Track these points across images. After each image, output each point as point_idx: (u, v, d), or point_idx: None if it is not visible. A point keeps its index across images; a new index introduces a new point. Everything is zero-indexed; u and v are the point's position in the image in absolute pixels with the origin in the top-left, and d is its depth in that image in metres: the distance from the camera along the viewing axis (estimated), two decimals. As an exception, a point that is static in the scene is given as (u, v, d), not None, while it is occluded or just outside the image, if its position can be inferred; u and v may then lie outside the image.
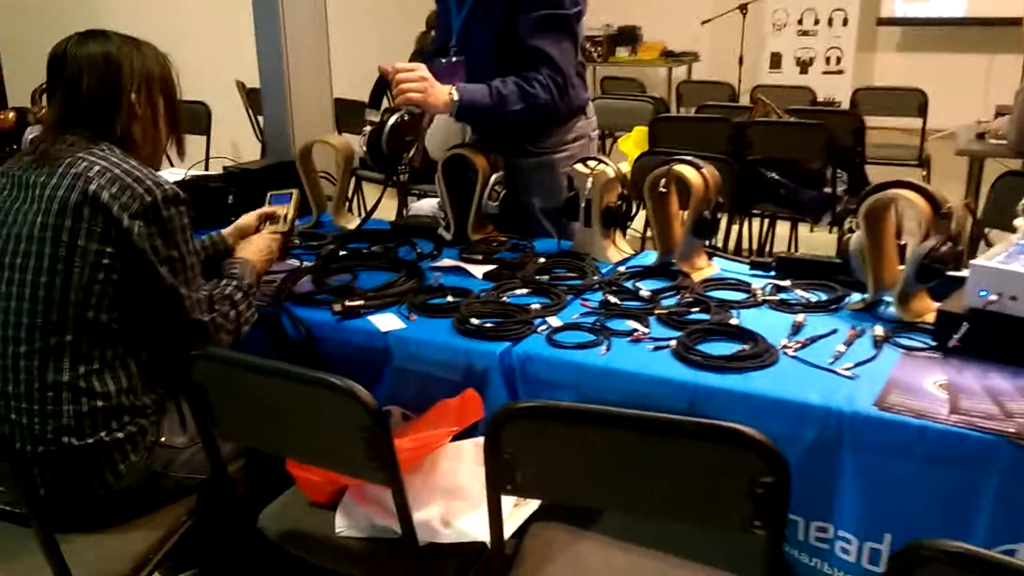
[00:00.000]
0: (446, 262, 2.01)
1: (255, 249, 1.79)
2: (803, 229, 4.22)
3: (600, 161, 2.00)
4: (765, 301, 1.71)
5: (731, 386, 1.38)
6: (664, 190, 1.87)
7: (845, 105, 5.75)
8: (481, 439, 1.36)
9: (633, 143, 3.80)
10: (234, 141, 5.39)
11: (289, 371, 1.21)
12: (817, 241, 4.28)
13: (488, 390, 1.55)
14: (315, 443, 1.27)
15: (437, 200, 2.39)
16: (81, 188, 1.40)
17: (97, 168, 1.42)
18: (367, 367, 1.64)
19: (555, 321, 1.65)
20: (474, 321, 1.62)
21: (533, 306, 1.69)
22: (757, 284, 1.79)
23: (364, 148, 1.94)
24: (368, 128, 1.94)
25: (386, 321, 1.68)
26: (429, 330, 1.64)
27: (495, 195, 2.11)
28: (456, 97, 1.96)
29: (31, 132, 2.45)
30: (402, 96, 1.89)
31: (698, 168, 1.85)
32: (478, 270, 1.94)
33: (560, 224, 2.41)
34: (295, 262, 2.02)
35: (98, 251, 1.40)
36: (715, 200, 1.85)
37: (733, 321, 1.60)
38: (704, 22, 7.02)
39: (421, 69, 1.92)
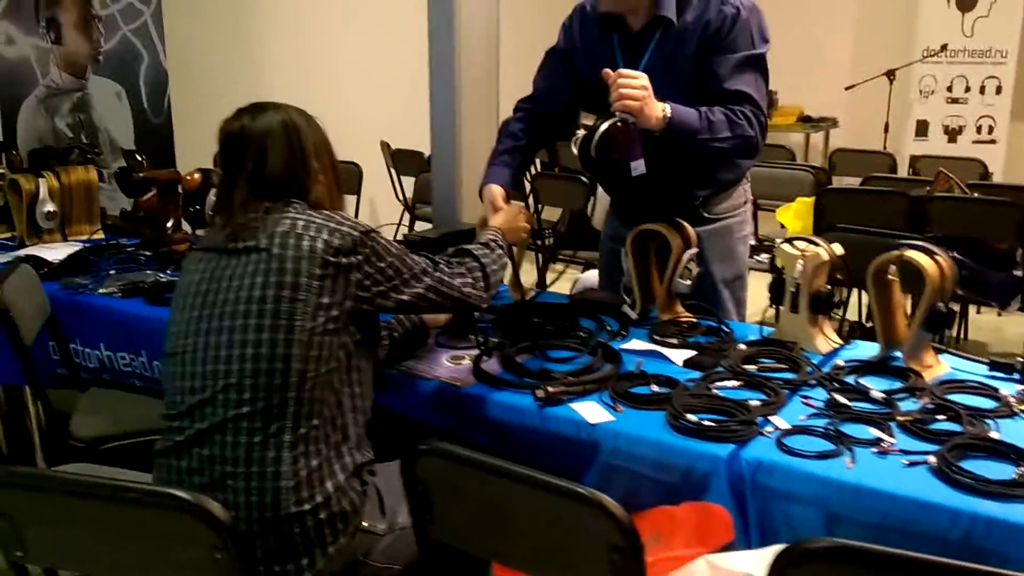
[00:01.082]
0: (637, 344, 1.88)
1: (503, 220, 1.89)
2: (987, 313, 3.90)
3: (810, 241, 1.85)
4: (1023, 411, 1.51)
5: (1019, 519, 1.19)
6: (893, 278, 1.70)
7: (998, 177, 5.40)
8: (718, 558, 1.21)
9: (794, 214, 3.62)
10: (371, 199, 5.47)
11: (529, 476, 1.10)
12: (998, 326, 3.96)
13: (707, 497, 1.40)
14: (547, 557, 1.15)
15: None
16: (294, 244, 1.41)
17: (301, 222, 1.44)
18: (570, 460, 1.52)
19: (781, 422, 1.49)
20: (691, 417, 1.48)
21: (752, 403, 1.54)
22: (1005, 389, 1.58)
23: (576, 151, 1.87)
24: (581, 132, 1.87)
25: (591, 411, 1.56)
26: (640, 424, 1.51)
27: (687, 273, 1.98)
28: (669, 114, 1.86)
29: (214, 193, 2.49)
30: (620, 102, 1.81)
31: (932, 255, 1.67)
32: (676, 355, 1.81)
33: (739, 297, 2.26)
34: (476, 337, 1.94)
35: (318, 303, 1.39)
36: (951, 291, 1.67)
37: (992, 434, 1.41)
38: (848, 87, 6.78)
39: (643, 78, 1.83)
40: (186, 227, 2.74)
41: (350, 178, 4.23)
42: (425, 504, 1.23)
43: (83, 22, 3.78)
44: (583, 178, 3.74)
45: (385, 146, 5.40)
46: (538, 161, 5.70)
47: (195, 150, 3.93)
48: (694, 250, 1.98)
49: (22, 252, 2.64)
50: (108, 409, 2.17)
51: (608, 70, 1.86)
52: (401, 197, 5.15)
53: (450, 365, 1.80)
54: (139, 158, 3.01)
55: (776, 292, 1.88)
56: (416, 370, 1.76)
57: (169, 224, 2.68)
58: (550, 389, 1.59)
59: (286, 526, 1.35)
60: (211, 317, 1.41)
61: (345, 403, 1.44)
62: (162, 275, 2.37)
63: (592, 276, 2.59)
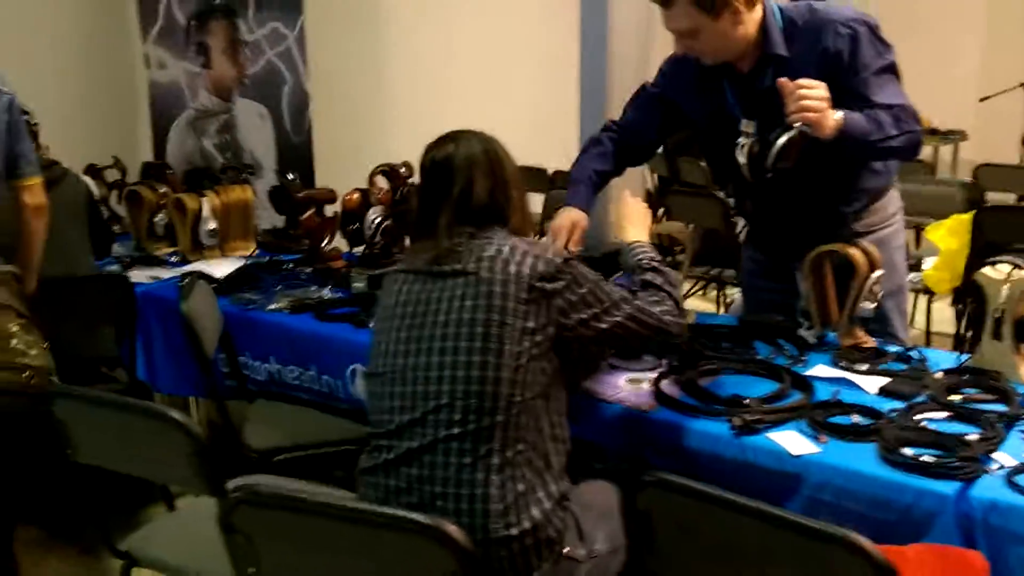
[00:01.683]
0: (823, 370, 1.80)
1: (643, 232, 1.81)
2: None
3: (1016, 265, 1.74)
4: None
5: None
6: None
7: None
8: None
9: (948, 232, 3.43)
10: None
11: (775, 514, 1.06)
12: None
13: (930, 537, 1.32)
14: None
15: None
16: (501, 268, 1.42)
17: (507, 247, 1.44)
18: (769, 493, 1.45)
19: (1006, 458, 1.39)
20: (907, 451, 1.40)
21: (970, 436, 1.45)
22: None
23: (743, 160, 1.83)
24: (745, 140, 1.83)
25: (793, 441, 1.50)
26: (848, 457, 1.44)
27: (872, 296, 1.90)
28: (842, 121, 1.79)
29: (374, 213, 2.54)
30: (799, 113, 1.75)
31: None
32: (867, 382, 1.72)
33: (903, 310, 2.16)
34: (650, 358, 1.90)
35: (524, 327, 1.39)
36: None
37: None
38: (983, 99, 6.47)
39: (821, 87, 1.77)
40: (339, 244, 2.81)
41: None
42: (646, 536, 1.20)
43: (230, 47, 3.94)
44: (719, 194, 3.66)
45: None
46: (654, 175, 5.64)
47: (333, 168, 4.05)
48: (880, 272, 1.90)
49: (188, 268, 2.75)
50: (278, 421, 2.22)
51: (785, 80, 1.80)
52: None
53: (630, 388, 1.76)
54: (291, 177, 3.10)
55: (975, 318, 1.77)
56: (598, 393, 1.74)
57: (325, 242, 2.75)
58: (747, 417, 1.54)
59: (494, 550, 1.34)
60: (419, 339, 1.42)
61: (546, 430, 1.43)
62: (326, 292, 2.42)
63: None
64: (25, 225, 2.20)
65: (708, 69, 1.97)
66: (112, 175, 3.48)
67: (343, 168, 4.13)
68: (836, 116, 1.78)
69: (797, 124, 1.77)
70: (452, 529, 1.08)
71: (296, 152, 3.92)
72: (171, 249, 3.08)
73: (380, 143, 4.91)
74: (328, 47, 4.05)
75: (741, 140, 1.87)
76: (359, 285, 2.42)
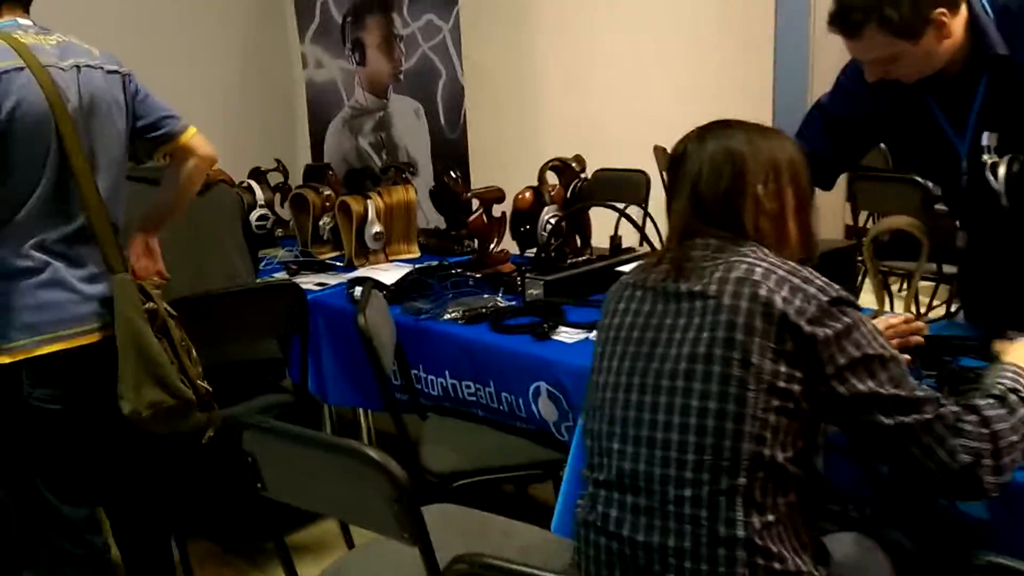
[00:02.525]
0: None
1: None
2: None
3: None
4: None
5: None
6: None
7: None
8: None
9: None
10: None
11: None
12: None
13: None
14: None
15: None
16: (749, 293, 1.15)
17: (760, 270, 1.17)
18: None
19: None
20: None
21: None
22: None
23: (1001, 185, 1.55)
24: (990, 157, 1.55)
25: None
26: None
27: None
28: None
29: (548, 212, 2.36)
30: None
31: None
32: None
33: None
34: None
35: (774, 370, 1.12)
36: None
37: None
38: None
39: None
40: (507, 247, 2.65)
41: (635, 188, 4.02)
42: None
43: (385, 43, 3.87)
44: (918, 179, 3.26)
45: (661, 151, 5.16)
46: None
47: (486, 164, 3.91)
48: None
49: (357, 274, 2.67)
50: (455, 440, 2.09)
51: None
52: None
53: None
54: (454, 175, 2.98)
55: None
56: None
57: (493, 244, 2.60)
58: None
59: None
60: (646, 372, 1.21)
61: (800, 501, 1.17)
62: (500, 299, 2.26)
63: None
64: (191, 177, 1.96)
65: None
66: (275, 178, 3.47)
67: (498, 165, 3.99)
68: None
69: None
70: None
71: (451, 148, 3.80)
72: (335, 253, 3.02)
73: (534, 138, 4.76)
74: (482, 39, 3.92)
75: (985, 158, 1.57)
76: (535, 292, 2.25)
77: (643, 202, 4.15)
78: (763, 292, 1.14)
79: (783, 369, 1.12)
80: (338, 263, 2.91)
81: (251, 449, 1.37)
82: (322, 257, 2.98)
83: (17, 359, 1.61)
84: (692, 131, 1.32)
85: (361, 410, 2.61)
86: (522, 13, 4.58)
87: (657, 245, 1.79)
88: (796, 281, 1.15)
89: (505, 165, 4.21)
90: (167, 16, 3.75)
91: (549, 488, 2.47)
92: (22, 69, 1.60)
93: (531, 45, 4.60)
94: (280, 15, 4.19)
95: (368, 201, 2.81)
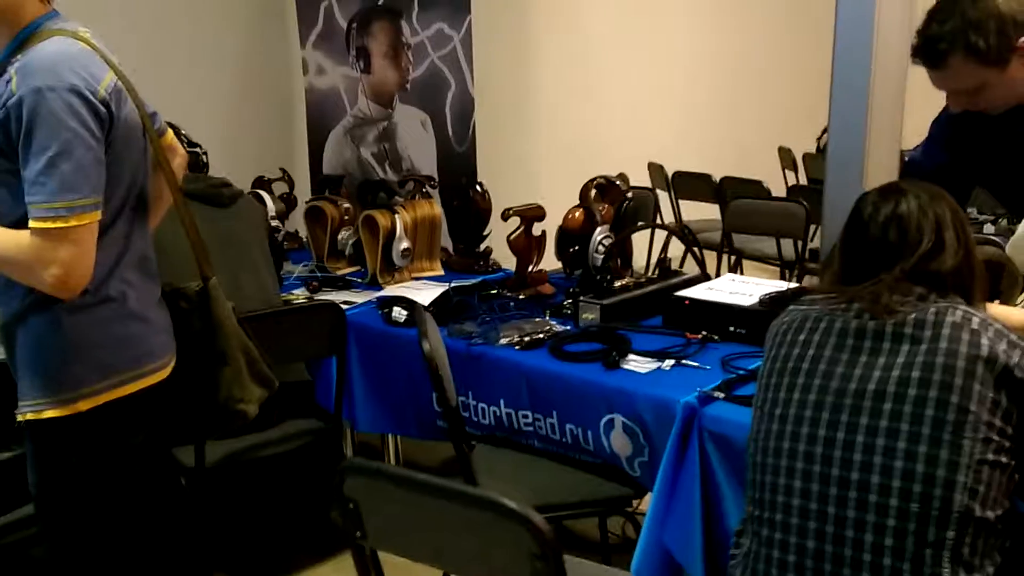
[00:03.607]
0: None
1: None
2: None
3: None
4: None
5: None
6: None
7: None
8: None
9: None
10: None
11: None
12: None
13: None
14: None
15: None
16: (968, 340, 1.09)
17: (976, 320, 1.12)
18: None
19: None
20: None
21: None
22: None
23: None
24: None
25: None
26: None
27: None
28: None
29: (600, 233, 2.26)
30: None
31: None
32: None
33: None
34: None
35: (989, 421, 1.07)
36: None
37: None
38: None
39: None
40: (544, 266, 2.55)
41: (647, 205, 3.96)
42: None
43: (392, 51, 3.74)
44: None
45: (656, 168, 5.12)
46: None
47: (495, 180, 3.80)
48: None
49: (386, 292, 2.53)
50: (512, 473, 1.97)
51: None
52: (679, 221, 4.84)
53: None
54: (480, 189, 2.87)
55: None
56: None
57: (532, 264, 2.49)
58: None
59: None
60: (837, 407, 1.12)
61: (1000, 559, 1.10)
62: (556, 324, 2.15)
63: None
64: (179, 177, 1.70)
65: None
66: (279, 188, 3.30)
67: (507, 179, 3.89)
68: None
69: None
70: None
71: (458, 162, 3.68)
72: (353, 269, 2.88)
73: (546, 153, 4.68)
74: (495, 49, 3.82)
75: None
76: (590, 316, 2.15)
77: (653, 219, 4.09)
78: (984, 342, 1.10)
79: (998, 422, 1.07)
80: (357, 279, 2.76)
81: (353, 495, 1.23)
82: (339, 273, 2.83)
83: (98, 404, 1.42)
84: (894, 186, 1.28)
85: (390, 437, 2.46)
86: (542, 22, 4.49)
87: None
88: (1013, 337, 1.12)
89: (514, 180, 4.10)
90: (165, 18, 3.56)
91: (591, 521, 2.37)
92: (121, 82, 1.43)
93: (551, 55, 4.51)
94: (281, 19, 4.03)
95: (395, 216, 2.67)
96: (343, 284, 2.70)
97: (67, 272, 1.31)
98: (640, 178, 4.81)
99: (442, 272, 2.83)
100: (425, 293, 2.44)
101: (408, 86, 3.75)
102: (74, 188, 1.30)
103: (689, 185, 4.63)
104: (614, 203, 2.40)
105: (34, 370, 1.41)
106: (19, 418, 1.44)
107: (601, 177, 2.45)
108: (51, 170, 1.29)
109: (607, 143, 4.88)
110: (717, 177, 4.44)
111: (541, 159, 4.58)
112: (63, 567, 1.53)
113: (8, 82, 1.32)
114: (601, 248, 2.24)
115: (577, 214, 2.29)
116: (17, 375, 1.45)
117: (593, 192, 2.41)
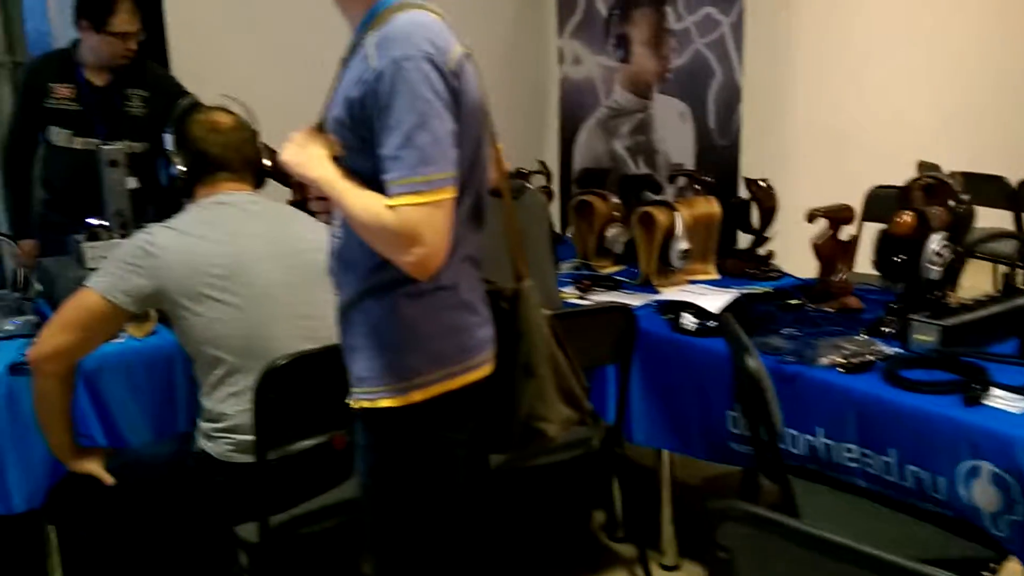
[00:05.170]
0: None
1: None
2: None
3: None
4: None
5: None
6: None
7: None
8: None
9: None
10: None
11: None
12: None
13: None
14: None
15: None
16: None
17: None
18: None
19: None
20: None
21: None
22: None
23: None
24: None
25: None
26: None
27: None
28: None
29: (936, 242, 1.92)
30: None
31: None
32: None
33: None
34: None
35: None
36: None
37: None
38: None
39: None
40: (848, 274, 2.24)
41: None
42: None
43: (655, 38, 3.53)
44: None
45: (927, 168, 4.57)
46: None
47: (758, 174, 3.51)
48: None
49: (665, 296, 2.33)
50: (838, 516, 1.70)
51: None
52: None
53: None
54: (763, 184, 2.60)
55: None
56: None
57: (839, 272, 2.20)
58: None
59: None
60: None
61: None
62: (882, 344, 1.85)
63: None
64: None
65: None
66: (536, 181, 3.19)
67: (772, 176, 3.58)
68: None
69: None
70: None
71: (719, 156, 3.41)
72: (618, 268, 2.70)
73: (810, 151, 4.31)
74: (762, 35, 3.52)
75: None
76: (926, 339, 1.83)
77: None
78: None
79: None
80: (625, 280, 2.58)
81: (730, 543, 1.04)
82: (605, 271, 2.67)
83: (430, 396, 1.34)
84: None
85: (664, 453, 2.26)
86: (801, 10, 4.14)
87: None
88: None
89: (776, 178, 3.78)
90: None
91: None
92: (468, 55, 1.34)
93: (805, 46, 4.16)
94: (538, 8, 3.94)
95: (676, 214, 2.46)
96: (612, 284, 2.53)
97: (427, 250, 1.22)
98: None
99: (717, 276, 2.59)
100: (710, 299, 2.21)
101: (668, 75, 3.53)
102: (432, 161, 1.22)
103: (975, 188, 4.07)
104: (945, 205, 2.05)
105: (369, 357, 1.34)
106: (352, 404, 1.37)
107: (929, 175, 2.10)
108: (408, 143, 1.21)
109: (871, 140, 4.41)
110: (1014, 180, 3.87)
111: (802, 156, 4.21)
112: (384, 558, 1.46)
113: (365, 58, 1.25)
114: (937, 258, 1.91)
115: (907, 218, 1.96)
116: (349, 360, 1.39)
117: (918, 193, 2.08)
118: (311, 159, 1.34)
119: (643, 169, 3.58)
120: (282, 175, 1.96)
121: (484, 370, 1.41)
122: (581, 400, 1.53)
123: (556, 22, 3.79)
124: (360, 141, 1.29)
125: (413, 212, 1.22)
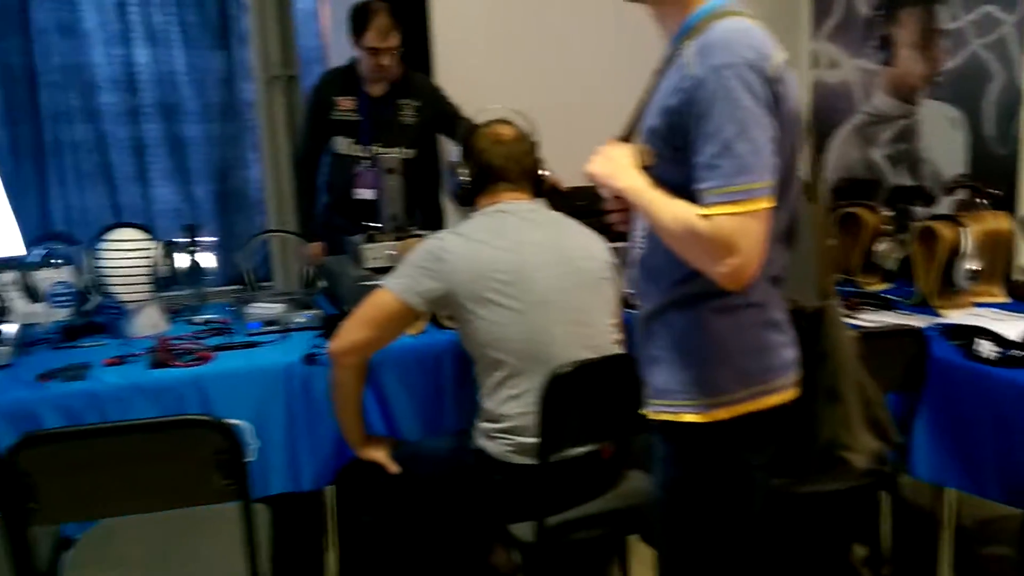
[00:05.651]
0: None
1: None
2: None
3: None
4: None
5: None
6: None
7: None
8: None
9: None
10: None
11: None
12: None
13: None
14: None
15: None
16: None
17: None
18: None
19: None
20: None
21: None
22: None
23: None
24: None
25: None
26: None
27: None
28: None
29: None
30: None
31: None
32: None
33: None
34: None
35: None
36: None
37: None
38: None
39: None
40: None
41: None
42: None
43: (923, 39, 3.28)
44: None
45: None
46: None
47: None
48: None
49: (953, 320, 2.14)
50: None
51: None
52: None
53: None
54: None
55: None
56: None
57: None
58: None
59: None
60: None
61: None
62: None
63: None
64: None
65: None
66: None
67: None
68: None
69: None
70: None
71: (996, 166, 3.10)
72: (887, 286, 2.53)
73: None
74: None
75: None
76: None
77: None
78: None
79: None
80: (897, 299, 2.40)
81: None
82: (872, 289, 2.50)
83: (734, 415, 1.31)
84: None
85: (951, 496, 2.07)
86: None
87: None
88: None
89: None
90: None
91: None
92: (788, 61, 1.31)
93: None
94: (791, 11, 3.78)
95: (962, 230, 2.26)
96: (882, 303, 2.37)
97: (742, 262, 1.19)
98: None
99: (1007, 299, 2.35)
100: (1008, 324, 2.00)
101: (938, 79, 3.26)
102: (751, 170, 1.19)
103: None
104: None
105: (672, 370, 1.33)
106: (651, 416, 1.37)
107: None
108: (727, 152, 1.19)
109: None
110: None
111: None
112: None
113: (684, 66, 1.24)
114: None
115: None
116: (648, 371, 1.38)
117: None
118: (619, 169, 1.35)
119: (904, 179, 3.33)
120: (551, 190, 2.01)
121: (789, 393, 1.35)
122: (888, 430, 1.43)
123: (809, 25, 3.62)
124: (672, 150, 1.28)
125: (728, 221, 1.19)
